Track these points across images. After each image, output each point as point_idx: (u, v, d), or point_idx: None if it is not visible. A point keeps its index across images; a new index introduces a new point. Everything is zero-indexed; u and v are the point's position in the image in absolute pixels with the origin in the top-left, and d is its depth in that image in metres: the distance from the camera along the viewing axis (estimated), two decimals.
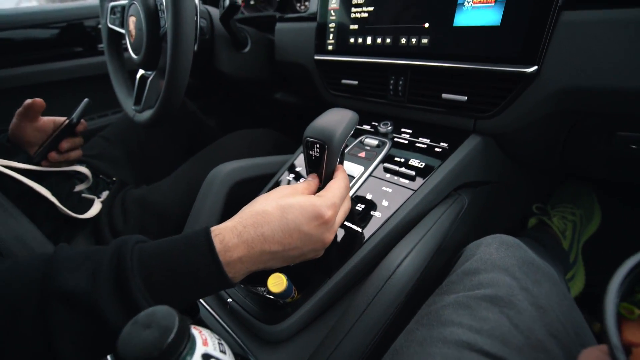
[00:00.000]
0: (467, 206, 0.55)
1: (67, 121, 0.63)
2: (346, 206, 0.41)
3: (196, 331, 0.29)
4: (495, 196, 0.67)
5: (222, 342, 0.31)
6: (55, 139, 0.62)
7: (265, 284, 0.38)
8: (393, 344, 0.37)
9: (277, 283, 0.37)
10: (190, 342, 0.27)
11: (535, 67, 0.45)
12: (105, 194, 0.71)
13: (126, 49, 0.80)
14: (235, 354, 0.33)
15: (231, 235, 0.33)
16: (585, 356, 0.25)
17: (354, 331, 0.36)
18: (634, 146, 0.48)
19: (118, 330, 0.26)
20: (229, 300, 0.44)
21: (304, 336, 0.40)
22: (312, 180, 0.43)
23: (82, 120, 0.65)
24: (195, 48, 0.75)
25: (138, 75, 0.78)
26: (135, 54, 0.74)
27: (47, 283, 0.28)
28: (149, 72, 0.75)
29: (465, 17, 0.50)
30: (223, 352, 0.30)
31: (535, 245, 0.81)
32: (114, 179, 0.76)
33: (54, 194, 0.58)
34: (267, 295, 0.38)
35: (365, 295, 0.37)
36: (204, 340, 0.29)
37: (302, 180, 0.60)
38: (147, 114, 0.70)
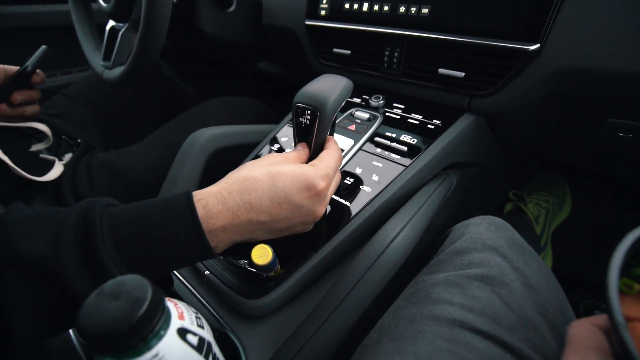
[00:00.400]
0: (454, 187, 0.54)
1: (20, 69, 0.55)
2: (337, 178, 0.39)
3: (171, 304, 0.26)
4: (480, 179, 0.67)
5: (200, 316, 0.29)
6: (6, 89, 0.54)
7: (247, 256, 0.35)
8: (380, 321, 0.35)
9: (261, 255, 0.34)
10: (165, 315, 0.24)
11: (538, 45, 0.43)
12: (68, 157, 0.64)
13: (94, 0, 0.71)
14: (212, 329, 0.31)
15: (215, 201, 0.30)
16: (576, 328, 0.26)
17: (343, 307, 0.34)
18: (621, 134, 0.48)
19: (83, 296, 0.22)
20: (207, 272, 0.41)
21: (287, 311, 0.38)
22: (303, 150, 0.40)
23: (38, 70, 0.57)
24: (174, 0, 0.68)
25: (108, 27, 0.70)
26: (105, 2, 0.66)
27: (1, 246, 0.24)
28: (121, 24, 0.67)
29: None
30: (201, 326, 0.27)
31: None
32: (79, 140, 0.69)
33: (4, 152, 0.51)
34: (249, 268, 0.36)
35: (356, 271, 0.36)
36: (180, 314, 0.26)
37: (288, 150, 0.57)
38: (118, 70, 0.64)
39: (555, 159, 0.81)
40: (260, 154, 0.59)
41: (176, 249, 0.28)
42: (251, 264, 0.35)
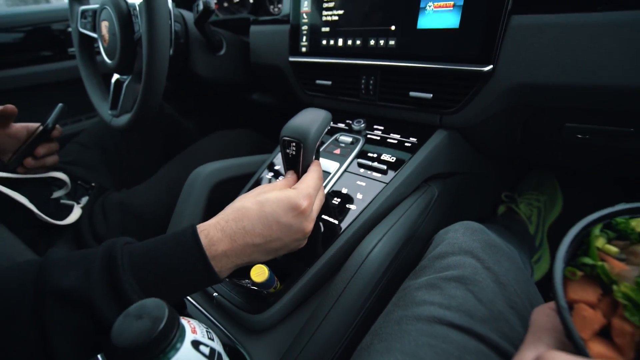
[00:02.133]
0: (437, 196, 0.59)
1: (41, 127, 0.63)
2: (321, 196, 0.44)
3: (185, 321, 0.31)
4: (465, 186, 0.72)
5: (210, 330, 0.34)
6: (31, 144, 0.61)
7: (249, 277, 0.40)
8: (372, 326, 0.40)
9: (259, 273, 0.39)
10: (180, 330, 0.29)
11: (491, 66, 0.49)
12: (84, 200, 0.71)
13: (98, 53, 0.79)
14: (223, 344, 0.35)
15: (215, 230, 0.35)
16: (537, 313, 0.29)
17: (331, 315, 0.39)
18: (579, 135, 0.53)
19: (111, 323, 0.27)
20: (215, 294, 0.46)
21: (287, 323, 0.43)
22: (290, 177, 0.45)
23: (57, 126, 0.65)
24: (171, 52, 0.75)
25: (113, 80, 0.78)
26: (110, 59, 0.74)
27: (41, 284, 0.29)
28: (125, 77, 0.75)
29: (427, 20, 0.54)
30: (211, 339, 0.32)
31: (503, 231, 0.86)
32: (93, 184, 0.76)
33: (31, 201, 0.58)
34: (251, 287, 0.41)
35: (340, 281, 0.40)
36: (193, 329, 0.31)
37: (280, 178, 0.62)
38: (125, 118, 0.71)
39: (533, 160, 0.85)
40: (260, 179, 0.64)
41: (185, 276, 0.33)
42: (252, 282, 0.39)
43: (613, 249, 0.26)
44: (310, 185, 0.41)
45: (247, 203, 0.38)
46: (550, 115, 0.52)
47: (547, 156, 0.68)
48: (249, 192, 0.40)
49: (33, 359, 0.28)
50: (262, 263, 0.41)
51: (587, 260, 0.26)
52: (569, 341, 0.23)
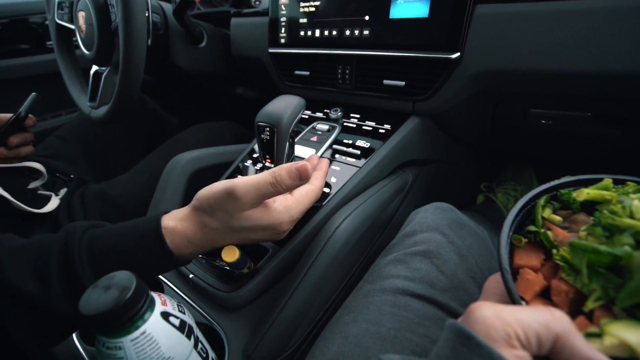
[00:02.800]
0: (411, 181, 0.61)
1: (14, 116, 0.62)
2: (312, 200, 0.41)
3: (155, 294, 0.32)
4: (442, 174, 0.74)
5: (182, 305, 0.35)
6: (3, 134, 0.61)
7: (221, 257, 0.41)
8: (345, 301, 0.41)
9: (229, 254, 0.40)
10: (149, 300, 0.30)
11: (458, 54, 0.51)
12: (63, 192, 0.70)
13: (77, 45, 0.79)
14: (198, 323, 0.36)
15: (179, 239, 0.35)
16: (489, 280, 0.31)
17: (300, 289, 0.40)
18: (543, 121, 0.56)
19: (72, 321, 0.28)
20: (191, 276, 0.47)
21: (260, 302, 0.44)
22: (269, 175, 0.38)
23: (30, 115, 0.64)
24: (149, 43, 0.76)
25: (92, 72, 0.77)
26: (87, 50, 0.73)
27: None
28: (103, 68, 0.74)
29: (399, 10, 0.55)
30: (182, 312, 0.33)
31: (480, 217, 0.89)
32: (72, 176, 0.75)
33: (5, 190, 0.57)
34: (225, 267, 0.42)
35: (308, 257, 0.42)
36: (163, 301, 0.32)
37: (257, 165, 0.63)
38: (103, 109, 0.70)
39: (505, 149, 0.88)
40: (239, 167, 0.65)
41: (147, 270, 0.34)
42: (224, 263, 0.40)
43: (557, 217, 0.28)
44: (303, 209, 0.39)
45: (216, 224, 0.35)
46: (514, 101, 0.54)
47: (517, 144, 0.71)
48: (215, 203, 0.35)
49: None
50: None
51: (532, 228, 0.28)
52: (509, 299, 0.24)
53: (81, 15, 0.70)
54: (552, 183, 0.30)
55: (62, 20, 0.79)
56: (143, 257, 0.33)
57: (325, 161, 0.47)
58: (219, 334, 0.41)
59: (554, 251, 0.26)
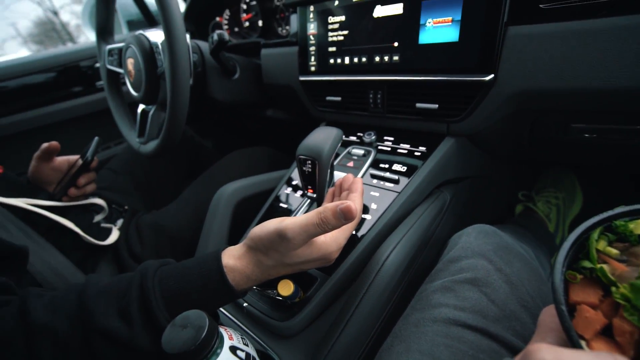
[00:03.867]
0: (449, 201, 0.61)
1: (81, 160, 0.69)
2: (354, 225, 0.45)
3: (222, 329, 0.35)
4: (478, 189, 0.74)
5: (245, 337, 0.37)
6: (74, 176, 0.68)
7: (274, 288, 0.44)
8: (393, 329, 0.42)
9: (285, 287, 0.43)
10: (219, 337, 0.33)
11: (492, 75, 0.52)
12: (120, 222, 0.77)
13: (123, 84, 0.86)
14: (256, 350, 0.39)
15: (239, 277, 0.38)
16: (544, 314, 0.31)
17: (353, 319, 0.42)
18: (587, 135, 0.55)
19: (148, 352, 0.32)
20: (245, 304, 0.50)
21: (313, 328, 0.46)
22: (315, 216, 0.40)
23: (95, 158, 0.71)
24: (191, 82, 0.81)
25: (139, 110, 0.84)
26: (136, 92, 0.80)
27: (87, 321, 0.33)
28: (150, 107, 0.81)
29: (428, 36, 0.57)
30: (246, 344, 0.36)
31: (520, 231, 0.87)
32: (126, 207, 0.82)
33: (77, 226, 0.64)
34: (277, 297, 0.44)
35: (360, 287, 0.43)
36: (230, 336, 0.35)
37: (301, 201, 0.65)
38: (152, 145, 0.76)
39: (544, 160, 0.86)
40: (279, 195, 0.68)
41: (212, 305, 0.37)
42: (279, 295, 0.43)
43: (614, 251, 0.27)
44: (346, 235, 0.42)
45: (271, 262, 0.38)
46: (554, 117, 0.54)
47: (558, 155, 0.69)
48: (269, 244, 0.38)
49: None
50: (286, 276, 0.45)
51: (587, 264, 0.27)
52: (568, 339, 0.24)
53: (130, 62, 0.77)
54: (606, 214, 0.28)
55: (112, 65, 0.87)
56: (208, 295, 0.37)
57: (359, 180, 0.49)
58: (275, 359, 0.44)
59: (613, 289, 0.25)
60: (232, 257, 0.39)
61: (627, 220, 0.28)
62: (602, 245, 0.28)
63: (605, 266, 0.26)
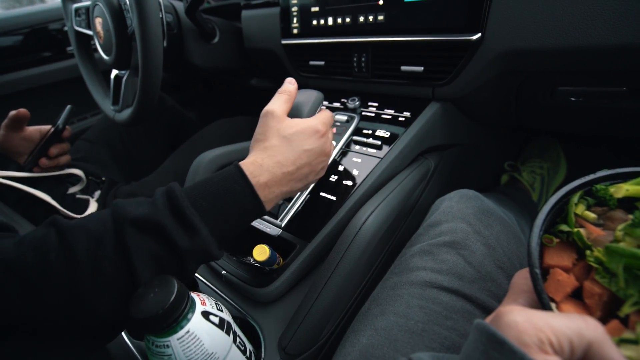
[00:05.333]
0: (434, 168, 0.60)
1: (53, 129, 0.66)
2: (330, 134, 0.47)
3: (195, 295, 0.34)
4: (464, 157, 0.73)
5: (219, 303, 0.37)
6: (44, 146, 0.64)
7: (252, 255, 0.43)
8: (372, 293, 0.42)
9: (260, 252, 0.42)
10: (190, 302, 0.32)
11: (479, 34, 0.49)
12: (97, 194, 0.74)
13: (96, 50, 0.81)
14: (233, 317, 0.39)
15: (253, 166, 0.39)
16: (517, 276, 0.31)
17: (330, 283, 0.41)
18: (573, 98, 0.53)
19: (180, 246, 0.32)
20: (223, 272, 0.49)
21: (291, 295, 0.46)
22: (291, 85, 0.47)
23: (67, 127, 0.68)
24: (165, 44, 0.77)
25: (112, 76, 0.79)
26: (107, 55, 0.75)
27: (119, 217, 0.33)
28: (123, 72, 0.76)
29: None
30: (220, 310, 0.35)
31: (504, 199, 0.87)
32: (103, 178, 0.79)
33: (50, 197, 0.61)
34: (255, 264, 0.44)
35: (337, 252, 0.43)
36: (202, 301, 0.34)
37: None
38: (127, 112, 0.73)
39: (530, 127, 0.85)
40: None
41: (236, 203, 0.36)
42: (255, 260, 0.42)
43: (591, 215, 0.27)
44: (327, 116, 0.47)
45: (273, 141, 0.41)
46: (541, 79, 0.52)
47: (544, 121, 0.68)
48: (267, 126, 0.43)
49: (119, 275, 0.31)
50: (262, 242, 0.44)
51: (564, 227, 0.26)
52: (538, 301, 0.24)
53: (98, 22, 0.72)
54: (587, 178, 0.28)
55: (80, 26, 0.81)
56: (229, 187, 0.37)
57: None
58: (255, 327, 0.44)
59: (588, 252, 0.25)
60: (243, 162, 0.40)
61: (607, 184, 0.28)
62: (580, 209, 0.28)
63: (582, 230, 0.26)
